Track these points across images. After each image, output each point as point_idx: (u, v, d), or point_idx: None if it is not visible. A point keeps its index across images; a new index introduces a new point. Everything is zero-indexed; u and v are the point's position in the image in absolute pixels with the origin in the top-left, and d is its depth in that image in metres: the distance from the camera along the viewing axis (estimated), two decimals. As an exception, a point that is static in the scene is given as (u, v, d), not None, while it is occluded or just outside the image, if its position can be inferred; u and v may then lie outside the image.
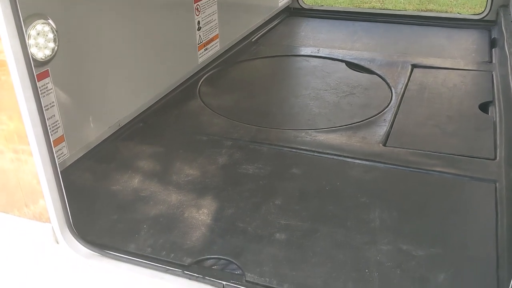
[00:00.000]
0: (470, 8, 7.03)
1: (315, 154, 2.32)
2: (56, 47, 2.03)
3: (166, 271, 1.64)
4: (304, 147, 2.37)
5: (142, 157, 2.33)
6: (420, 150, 2.32)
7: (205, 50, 3.28)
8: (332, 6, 4.57)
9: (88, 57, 2.28)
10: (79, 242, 1.70)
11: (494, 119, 2.57)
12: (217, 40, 3.41)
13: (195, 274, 1.62)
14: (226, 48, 3.55)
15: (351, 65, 3.33)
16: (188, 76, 3.12)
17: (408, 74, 3.15)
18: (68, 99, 2.19)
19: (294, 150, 2.36)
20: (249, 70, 3.39)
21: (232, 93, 3.02)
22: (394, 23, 4.19)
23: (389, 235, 1.80)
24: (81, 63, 2.24)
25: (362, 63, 3.33)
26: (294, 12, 4.49)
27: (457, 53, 3.52)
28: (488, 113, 2.68)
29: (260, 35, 3.95)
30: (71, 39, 2.14)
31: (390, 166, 2.22)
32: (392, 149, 2.34)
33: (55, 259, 1.76)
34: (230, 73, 3.32)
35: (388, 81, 3.05)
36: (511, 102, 2.54)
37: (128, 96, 2.59)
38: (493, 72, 3.13)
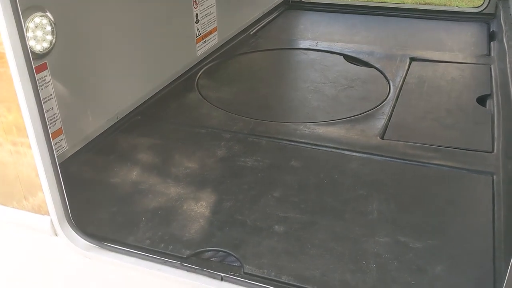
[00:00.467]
0: (469, 1, 7.02)
1: (314, 147, 2.33)
2: (54, 40, 2.03)
3: (165, 263, 1.65)
4: (302, 140, 2.37)
5: (141, 149, 2.33)
6: (418, 143, 2.33)
7: (204, 43, 3.27)
8: (330, -1, 4.55)
9: (86, 49, 2.28)
10: (78, 234, 1.71)
11: (492, 112, 2.58)
12: (216, 33, 3.41)
13: (193, 266, 1.63)
14: (225, 41, 3.55)
15: (350, 59, 3.33)
16: (187, 69, 3.11)
17: (406, 67, 3.15)
18: (66, 91, 2.18)
19: (292, 143, 2.36)
20: (247, 63, 3.39)
21: (230, 86, 3.02)
22: (392, 16, 4.18)
23: (386, 227, 1.81)
24: (79, 55, 2.24)
25: (360, 57, 3.33)
26: (292, 5, 4.48)
27: (456, 46, 3.52)
28: (486, 106, 2.68)
29: (259, 28, 3.94)
30: (69, 32, 2.13)
31: (388, 159, 2.22)
32: (390, 142, 2.34)
33: (54, 251, 1.77)
34: (228, 66, 3.31)
35: (386, 75, 3.05)
36: (509, 95, 2.54)
37: (126, 88, 2.58)
38: (492, 66, 3.13)
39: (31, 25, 1.91)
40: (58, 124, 2.15)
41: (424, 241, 1.74)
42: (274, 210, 1.91)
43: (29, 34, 1.91)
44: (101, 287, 1.80)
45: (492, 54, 3.34)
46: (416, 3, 6.62)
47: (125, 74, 2.56)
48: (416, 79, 2.99)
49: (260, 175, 2.12)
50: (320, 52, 3.45)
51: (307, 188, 2.04)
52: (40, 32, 1.96)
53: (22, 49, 1.39)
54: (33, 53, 1.92)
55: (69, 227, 1.70)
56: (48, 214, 1.66)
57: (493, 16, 3.92)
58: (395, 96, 2.78)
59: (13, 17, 1.35)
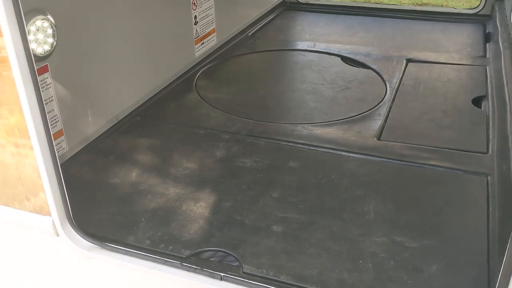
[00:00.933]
0: (465, 2, 7.05)
1: (312, 147, 2.35)
2: (55, 42, 2.05)
3: (165, 263, 1.67)
4: (300, 141, 2.40)
5: (140, 150, 2.36)
6: (414, 144, 2.35)
7: (202, 44, 3.30)
8: (328, 0, 4.57)
9: (86, 51, 2.30)
10: (79, 234, 1.72)
11: (487, 113, 2.61)
12: (214, 34, 3.43)
13: (193, 266, 1.65)
14: (223, 42, 3.57)
15: (347, 60, 3.36)
16: (185, 70, 3.14)
17: (403, 68, 3.18)
18: (67, 93, 2.21)
19: (291, 143, 2.38)
20: (245, 64, 3.41)
21: (229, 87, 3.04)
22: (389, 18, 4.21)
23: (383, 227, 1.83)
24: (79, 57, 2.26)
25: (357, 58, 3.35)
26: (290, 6, 4.50)
27: (452, 48, 3.55)
28: (481, 108, 2.71)
29: (257, 29, 3.96)
30: (69, 34, 2.15)
31: (385, 159, 2.25)
32: (387, 143, 2.37)
33: (55, 252, 1.79)
34: (227, 67, 3.33)
35: (383, 76, 3.08)
36: (503, 96, 2.57)
37: (125, 90, 2.60)
38: (487, 67, 3.16)
39: (32, 28, 1.94)
40: (59, 126, 2.17)
41: (420, 240, 1.77)
42: (273, 210, 1.93)
43: (30, 37, 1.93)
44: (102, 287, 1.82)
45: (487, 56, 3.37)
46: (413, 4, 6.65)
47: (125, 75, 2.58)
48: (413, 81, 3.02)
49: (258, 175, 2.15)
50: (317, 53, 3.48)
51: (305, 189, 2.06)
52: (41, 35, 1.98)
53: (25, 53, 1.41)
54: (34, 55, 1.92)
55: (70, 227, 1.72)
56: (50, 215, 1.68)
57: (489, 17, 3.95)
58: (392, 97, 2.81)
59: (16, 21, 1.36)
